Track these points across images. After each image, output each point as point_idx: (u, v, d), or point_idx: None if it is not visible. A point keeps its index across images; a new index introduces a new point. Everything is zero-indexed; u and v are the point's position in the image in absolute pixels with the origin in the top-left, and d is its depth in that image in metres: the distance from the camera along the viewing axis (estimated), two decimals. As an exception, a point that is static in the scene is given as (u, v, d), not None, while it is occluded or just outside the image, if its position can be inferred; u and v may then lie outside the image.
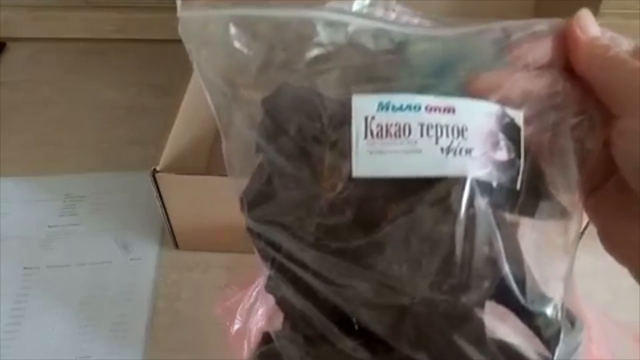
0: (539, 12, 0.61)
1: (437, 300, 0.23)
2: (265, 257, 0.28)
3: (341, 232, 0.25)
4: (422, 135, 0.23)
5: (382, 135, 0.23)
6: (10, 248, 0.55)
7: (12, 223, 0.57)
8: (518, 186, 0.24)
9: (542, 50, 0.25)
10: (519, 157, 0.24)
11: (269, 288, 0.28)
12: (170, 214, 0.51)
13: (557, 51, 0.25)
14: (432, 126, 0.23)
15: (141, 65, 0.75)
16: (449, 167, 0.23)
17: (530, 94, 0.24)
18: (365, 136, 0.24)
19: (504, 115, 0.24)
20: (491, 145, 0.24)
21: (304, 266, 0.25)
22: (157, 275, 0.53)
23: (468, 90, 0.25)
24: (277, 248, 0.27)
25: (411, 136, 0.23)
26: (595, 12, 0.57)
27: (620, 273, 0.45)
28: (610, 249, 0.26)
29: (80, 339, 0.49)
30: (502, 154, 0.24)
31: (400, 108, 0.24)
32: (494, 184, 0.24)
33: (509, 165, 0.24)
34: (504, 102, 0.24)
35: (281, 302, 0.28)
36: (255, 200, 0.27)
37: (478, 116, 0.24)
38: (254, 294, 0.43)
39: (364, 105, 0.24)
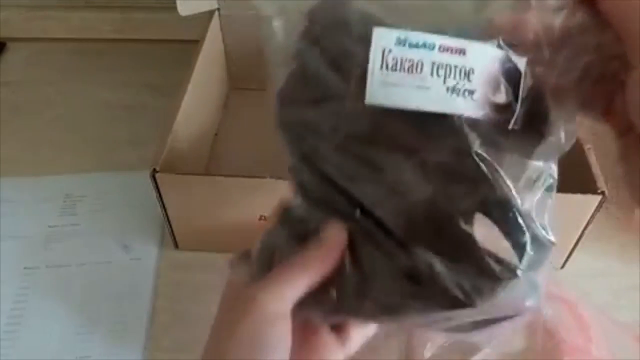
0: None
1: (438, 202, 0.28)
2: (290, 147, 0.31)
3: (361, 141, 0.28)
4: (432, 74, 0.26)
5: (396, 69, 0.26)
6: (10, 248, 0.55)
7: (12, 223, 0.57)
8: (510, 127, 0.27)
9: None
10: (517, 100, 0.27)
11: (291, 171, 0.31)
12: (170, 214, 0.51)
13: None
14: (442, 66, 0.26)
15: (141, 65, 0.75)
16: (452, 105, 0.26)
17: (545, 33, 0.26)
18: (381, 67, 0.26)
19: (507, 60, 0.27)
20: (492, 89, 0.27)
21: (326, 161, 0.29)
22: (157, 275, 0.53)
23: (489, 29, 0.27)
24: (303, 140, 0.30)
25: (422, 73, 0.26)
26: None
27: (620, 273, 0.45)
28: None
29: (80, 338, 0.49)
30: (501, 97, 0.27)
31: (416, 45, 0.26)
32: (490, 123, 0.27)
33: (505, 108, 0.27)
34: (519, 41, 0.27)
35: (300, 185, 0.31)
36: (287, 99, 0.31)
37: (485, 60, 0.26)
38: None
39: (383, 37, 0.26)
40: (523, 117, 0.27)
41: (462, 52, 0.26)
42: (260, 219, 0.50)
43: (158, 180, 0.47)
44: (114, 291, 0.52)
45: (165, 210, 0.50)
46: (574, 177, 0.49)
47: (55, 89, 0.73)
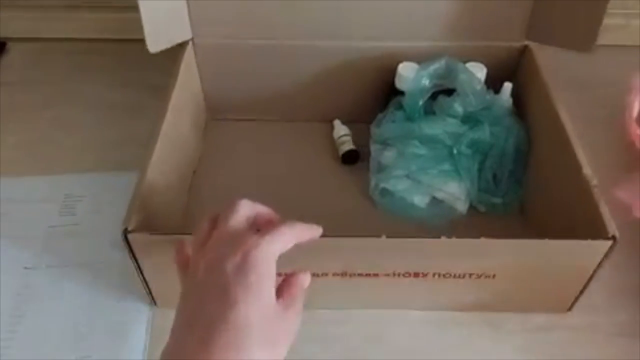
0: (539, 12, 0.60)
1: None
2: None
3: None
4: None
5: None
6: (10, 248, 0.55)
7: (12, 223, 0.57)
8: None
9: None
10: None
11: None
12: (147, 274, 0.47)
13: None
14: None
15: (141, 65, 0.75)
16: None
17: None
18: None
19: None
20: None
21: None
22: (157, 275, 0.53)
23: None
24: None
25: None
26: (600, 12, 0.55)
27: (620, 273, 0.45)
28: None
29: (80, 338, 0.49)
30: None
31: None
32: None
33: None
34: None
35: None
36: None
37: None
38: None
39: None
40: None
41: None
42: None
43: (131, 241, 0.43)
44: (113, 291, 0.52)
45: (141, 271, 0.46)
46: (580, 216, 0.45)
47: (55, 89, 0.73)
